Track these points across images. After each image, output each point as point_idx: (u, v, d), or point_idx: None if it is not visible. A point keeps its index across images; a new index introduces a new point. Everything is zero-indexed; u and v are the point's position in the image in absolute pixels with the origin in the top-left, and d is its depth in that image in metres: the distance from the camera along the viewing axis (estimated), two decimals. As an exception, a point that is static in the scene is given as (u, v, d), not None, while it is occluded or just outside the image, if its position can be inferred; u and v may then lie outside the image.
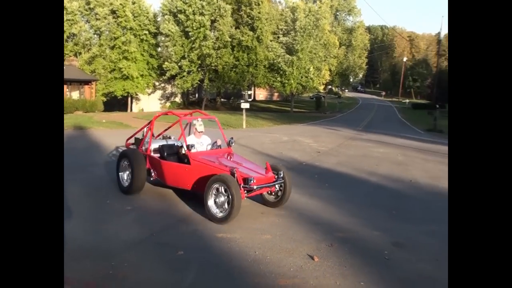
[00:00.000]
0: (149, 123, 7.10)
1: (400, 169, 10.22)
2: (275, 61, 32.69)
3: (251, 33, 31.13)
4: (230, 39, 30.62)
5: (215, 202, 5.45)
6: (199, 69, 31.16)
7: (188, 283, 3.74)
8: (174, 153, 6.67)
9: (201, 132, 6.75)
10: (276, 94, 55.07)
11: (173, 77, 31.98)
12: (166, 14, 30.76)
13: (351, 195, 7.29)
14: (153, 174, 6.61)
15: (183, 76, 30.74)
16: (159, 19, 32.57)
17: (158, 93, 37.82)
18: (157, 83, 36.26)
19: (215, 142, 6.85)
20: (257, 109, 35.91)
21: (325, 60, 36.76)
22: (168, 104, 38.24)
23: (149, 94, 35.54)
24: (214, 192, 5.45)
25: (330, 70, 39.34)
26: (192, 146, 6.16)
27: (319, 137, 16.47)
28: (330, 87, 53.53)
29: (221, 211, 5.41)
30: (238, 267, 4.12)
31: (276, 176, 5.93)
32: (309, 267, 4.21)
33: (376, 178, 8.96)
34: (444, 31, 51.70)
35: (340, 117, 32.60)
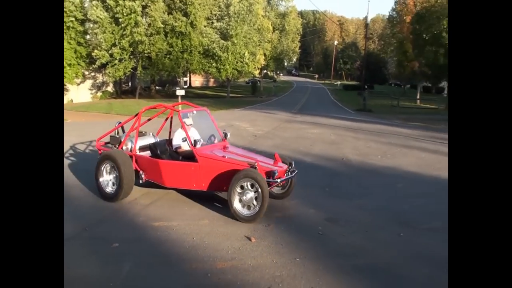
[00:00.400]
0: (129, 119, 6.57)
1: (333, 148, 10.63)
2: (209, 46, 32.29)
3: (184, 18, 30.43)
4: (163, 25, 29.71)
5: (240, 200, 5.12)
6: (131, 57, 29.99)
7: (124, 275, 3.66)
8: (166, 150, 6.15)
9: (190, 125, 6.15)
10: (212, 80, 54.56)
11: (104, 66, 30.50)
12: (94, -1, 29.17)
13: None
14: (143, 176, 5.94)
15: (115, 64, 29.43)
16: (86, 5, 30.78)
17: (88, 82, 35.99)
18: (86, 73, 34.45)
19: (212, 135, 6.27)
20: (193, 95, 35.40)
21: (259, 45, 36.93)
22: (99, 94, 36.58)
23: (78, 84, 33.73)
24: (238, 190, 5.09)
25: (264, 54, 39.62)
26: (198, 141, 5.69)
27: (255, 121, 16.63)
28: (265, 71, 54.04)
29: (247, 209, 5.09)
30: (175, 255, 4.10)
31: (289, 167, 5.76)
32: (246, 248, 4.29)
33: (310, 158, 9.25)
34: (370, 15, 53.84)
35: (275, 101, 33.08)
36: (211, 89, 48.98)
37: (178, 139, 6.09)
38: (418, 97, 36.28)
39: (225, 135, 6.41)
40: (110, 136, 6.61)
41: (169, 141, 6.56)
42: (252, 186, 5.03)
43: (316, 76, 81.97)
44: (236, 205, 5.08)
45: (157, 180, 5.89)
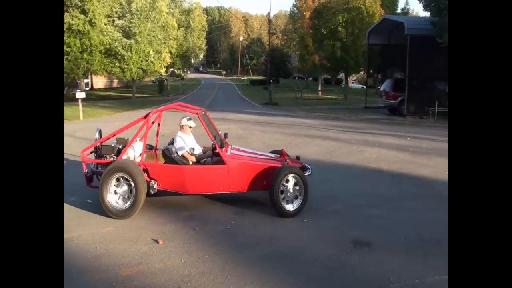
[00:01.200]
0: (128, 126, 5.93)
1: (241, 143, 10.76)
2: (111, 45, 30.75)
3: (82, 16, 28.54)
4: (56, 24, 27.67)
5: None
6: (22, 58, 27.53)
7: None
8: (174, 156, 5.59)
9: (191, 128, 6.03)
10: (116, 80, 52.14)
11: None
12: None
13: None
14: (155, 186, 5.41)
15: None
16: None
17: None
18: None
19: (215, 136, 5.89)
20: (95, 98, 33.56)
21: (164, 43, 36.06)
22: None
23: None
24: (282, 187, 5.25)
25: (170, 52, 38.77)
26: (223, 144, 5.71)
27: (163, 121, 16.20)
28: (172, 69, 53.00)
29: (290, 203, 5.33)
30: (77, 267, 3.87)
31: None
32: (154, 252, 4.20)
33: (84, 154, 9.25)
34: (273, 11, 55.38)
35: (184, 99, 32.62)
36: (115, 90, 46.79)
37: (182, 143, 5.78)
38: (319, 88, 38.25)
39: (225, 135, 6.37)
40: (103, 145, 5.75)
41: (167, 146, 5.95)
42: (296, 181, 5.31)
43: (224, 72, 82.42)
44: (280, 201, 5.24)
45: (176, 188, 5.50)
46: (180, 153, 5.65)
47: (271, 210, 5.45)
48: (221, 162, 5.48)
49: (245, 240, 4.51)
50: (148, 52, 32.66)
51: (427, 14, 19.33)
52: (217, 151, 5.52)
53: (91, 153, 5.93)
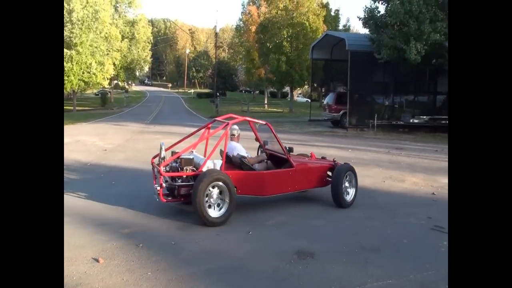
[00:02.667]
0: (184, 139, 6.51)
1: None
2: (49, 56, 29.49)
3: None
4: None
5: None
6: None
7: None
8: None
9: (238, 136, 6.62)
10: (55, 92, 49.92)
11: None
12: None
13: (139, 190, 7.25)
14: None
15: None
16: None
17: None
18: None
19: (261, 145, 6.84)
20: (32, 110, 31.89)
21: (108, 54, 35.11)
22: None
23: None
24: (346, 184, 6.42)
25: (114, 64, 37.80)
26: (291, 149, 6.63)
27: (105, 135, 15.75)
28: (116, 82, 51.57)
29: (348, 195, 6.46)
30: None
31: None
32: (94, 271, 4.02)
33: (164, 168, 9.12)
34: (220, 25, 55.70)
35: (128, 112, 31.88)
36: (54, 102, 44.68)
37: (241, 151, 6.32)
38: (265, 102, 38.84)
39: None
40: (182, 158, 5.69)
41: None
42: (350, 179, 6.49)
43: (170, 85, 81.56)
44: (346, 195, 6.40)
45: (253, 193, 5.98)
46: (246, 160, 6.10)
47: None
48: (289, 166, 6.23)
49: (190, 255, 4.45)
50: (90, 64, 31.64)
51: (366, 31, 20.29)
52: (286, 157, 6.30)
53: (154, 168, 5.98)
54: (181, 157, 5.72)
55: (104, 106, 38.73)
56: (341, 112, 21.16)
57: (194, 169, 5.64)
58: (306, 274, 4.03)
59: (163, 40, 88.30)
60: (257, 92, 57.78)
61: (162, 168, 5.50)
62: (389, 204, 6.70)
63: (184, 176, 5.58)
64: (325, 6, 35.10)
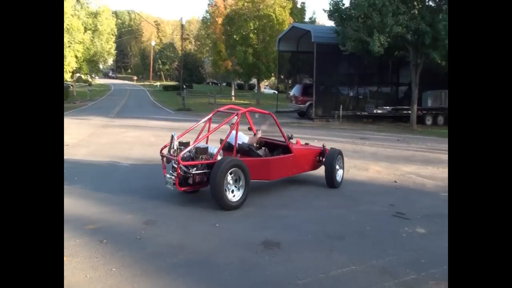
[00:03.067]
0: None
1: (153, 150, 10.52)
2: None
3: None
4: None
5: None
6: None
7: None
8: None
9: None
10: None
11: None
12: None
13: (103, 184, 7.10)
14: None
15: None
16: None
17: None
18: None
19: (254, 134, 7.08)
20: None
21: (69, 46, 33.95)
22: None
23: None
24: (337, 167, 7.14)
25: (76, 56, 36.60)
26: (291, 137, 7.10)
27: (67, 129, 15.25)
28: (78, 75, 50.00)
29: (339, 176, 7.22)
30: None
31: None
32: (55, 269, 3.92)
33: (130, 162, 8.99)
34: (186, 17, 54.77)
35: (91, 106, 31.02)
36: (13, 97, 42.91)
37: (245, 138, 6.83)
38: (233, 94, 38.74)
39: (290, 137, 7.08)
40: (197, 147, 5.90)
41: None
42: (340, 162, 7.24)
43: (135, 77, 79.86)
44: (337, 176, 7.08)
45: (261, 177, 6.46)
46: (254, 147, 6.72)
47: (184, 216, 5.41)
48: (288, 152, 6.77)
49: (155, 250, 4.41)
50: (50, 56, 30.52)
51: (331, 23, 20.54)
52: (287, 143, 6.82)
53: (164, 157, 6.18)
54: (196, 146, 5.93)
55: (66, 100, 37.50)
56: (307, 104, 21.41)
57: (209, 157, 5.92)
58: (272, 263, 4.07)
59: (127, 32, 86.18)
60: (224, 84, 57.46)
61: (179, 158, 5.64)
62: (354, 192, 6.86)
63: (200, 164, 5.81)
64: (291, -1, 35.20)
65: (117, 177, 7.76)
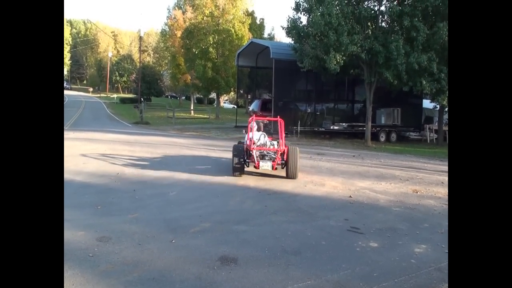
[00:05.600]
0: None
1: (107, 164, 10.26)
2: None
3: None
4: None
5: None
6: None
7: None
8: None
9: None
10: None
11: None
12: None
13: (54, 200, 6.81)
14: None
15: None
16: None
17: None
18: None
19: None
20: None
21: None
22: None
23: None
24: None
25: (26, 65, 35.25)
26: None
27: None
28: (29, 84, 48.05)
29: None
30: None
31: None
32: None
33: (82, 177, 8.70)
34: (145, 28, 54.23)
35: (44, 117, 29.81)
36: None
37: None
38: (192, 108, 38.50)
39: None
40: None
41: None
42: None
43: (91, 89, 77.76)
44: None
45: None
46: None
47: (139, 232, 5.29)
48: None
49: (109, 267, 4.27)
50: None
51: (290, 40, 20.98)
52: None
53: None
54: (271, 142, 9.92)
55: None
56: (266, 119, 21.58)
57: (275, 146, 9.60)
58: (229, 280, 4.05)
59: (83, 42, 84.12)
60: (184, 98, 57.04)
61: (252, 147, 9.17)
62: (310, 207, 6.97)
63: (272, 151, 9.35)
64: (251, 14, 35.70)
65: (67, 192, 7.46)
